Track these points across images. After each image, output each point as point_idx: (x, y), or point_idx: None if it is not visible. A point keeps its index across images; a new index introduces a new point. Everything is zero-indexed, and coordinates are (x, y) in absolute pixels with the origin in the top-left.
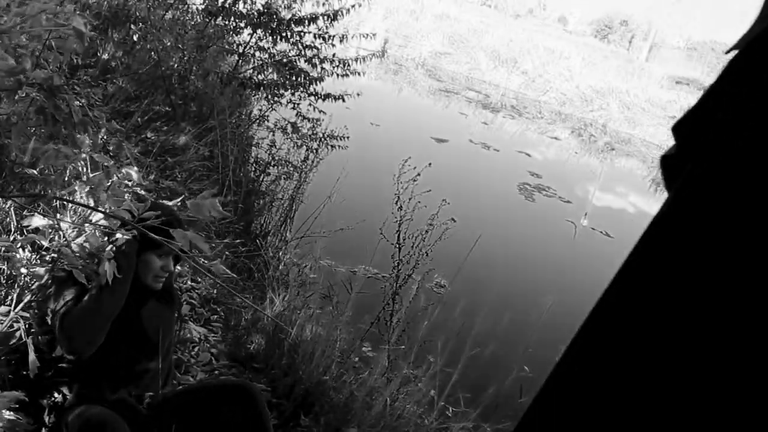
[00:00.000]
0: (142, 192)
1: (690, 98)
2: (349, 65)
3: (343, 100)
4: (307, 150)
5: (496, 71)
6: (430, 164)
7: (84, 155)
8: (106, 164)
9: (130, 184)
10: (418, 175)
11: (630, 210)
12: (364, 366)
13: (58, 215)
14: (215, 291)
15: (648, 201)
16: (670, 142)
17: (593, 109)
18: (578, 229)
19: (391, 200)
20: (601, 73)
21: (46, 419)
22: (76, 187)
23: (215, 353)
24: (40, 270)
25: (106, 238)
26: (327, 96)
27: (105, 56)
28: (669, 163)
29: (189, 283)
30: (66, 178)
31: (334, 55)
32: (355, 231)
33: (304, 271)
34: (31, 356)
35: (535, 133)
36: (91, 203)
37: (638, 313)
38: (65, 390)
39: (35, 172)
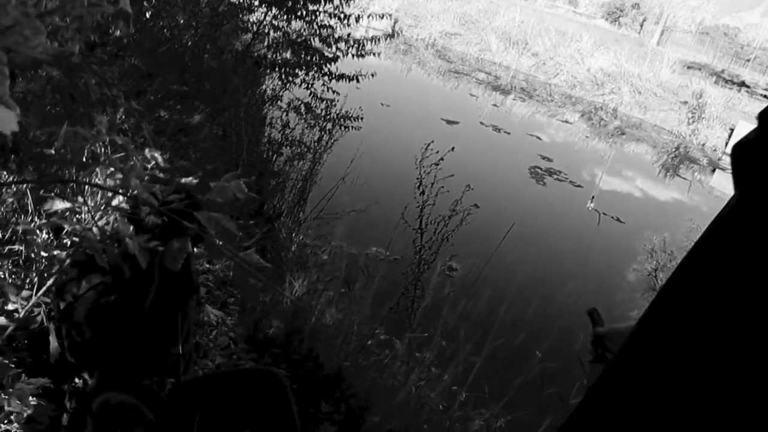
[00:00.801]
0: (161, 175)
1: (702, 83)
2: (363, 46)
3: (358, 81)
4: (320, 131)
5: (507, 53)
6: (453, 148)
7: (105, 137)
8: (126, 146)
9: (149, 166)
10: (442, 159)
11: (637, 195)
12: (385, 353)
13: (79, 198)
14: (231, 273)
15: (656, 186)
16: (681, 127)
17: (604, 93)
18: (591, 214)
19: (406, 183)
20: (613, 57)
21: (68, 404)
22: (98, 170)
23: (233, 337)
24: (61, 253)
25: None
26: (341, 76)
27: (117, 33)
28: (744, 149)
29: (205, 265)
30: (84, 159)
31: (349, 35)
32: (370, 213)
33: (319, 253)
34: (53, 342)
35: (545, 116)
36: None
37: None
38: (86, 375)
39: (53, 152)
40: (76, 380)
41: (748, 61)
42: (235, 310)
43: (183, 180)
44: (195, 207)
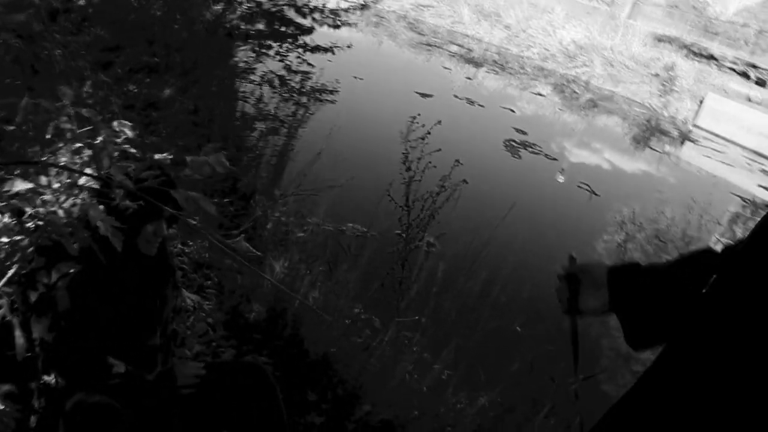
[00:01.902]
0: (132, 150)
1: (672, 56)
2: (339, 16)
3: (333, 52)
4: (295, 104)
5: (479, 25)
6: (440, 122)
7: (70, 110)
8: (93, 120)
9: (118, 141)
10: (429, 133)
11: (609, 167)
12: (372, 337)
13: (42, 178)
14: (207, 254)
15: (627, 158)
16: (653, 99)
17: (576, 65)
18: (567, 187)
19: (384, 157)
20: (585, 29)
21: (36, 404)
22: (63, 147)
23: (211, 323)
24: (24, 239)
25: (101, 206)
26: (316, 48)
27: (81, 2)
28: None
29: (179, 246)
30: (48, 135)
31: (324, 5)
32: (349, 189)
33: (296, 230)
34: (18, 337)
35: (518, 89)
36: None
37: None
38: (55, 372)
39: (12, 128)
40: (45, 377)
41: (716, 34)
42: (213, 294)
43: (156, 156)
44: (170, 185)
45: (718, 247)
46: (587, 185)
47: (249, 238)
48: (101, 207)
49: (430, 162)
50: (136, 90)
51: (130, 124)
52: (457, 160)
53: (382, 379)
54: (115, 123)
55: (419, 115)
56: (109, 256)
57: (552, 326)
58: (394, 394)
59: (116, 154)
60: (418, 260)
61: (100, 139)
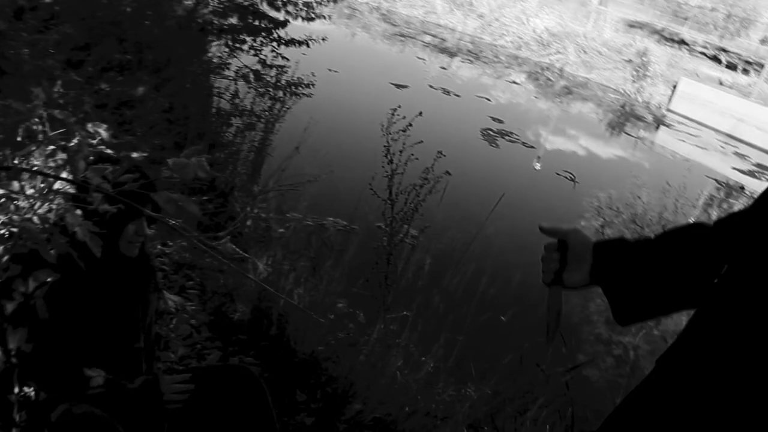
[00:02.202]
0: (109, 151)
1: (645, 42)
2: (313, 8)
3: (308, 46)
4: (271, 99)
5: (452, 15)
6: (420, 113)
7: (42, 111)
8: (66, 121)
9: (93, 142)
10: (410, 125)
11: (585, 153)
12: (360, 334)
13: (15, 183)
14: (188, 254)
15: (603, 144)
16: (626, 85)
17: (550, 53)
18: (547, 175)
19: (362, 150)
20: (557, 17)
21: (17, 417)
22: (33, 148)
23: (195, 325)
24: None
25: (78, 211)
26: (290, 41)
27: None
28: None
29: (159, 246)
30: (19, 138)
31: None
32: (329, 183)
33: (275, 226)
34: None
35: (493, 78)
36: (57, 170)
37: None
38: (35, 384)
39: None
40: (25, 389)
41: (686, 19)
42: (195, 295)
43: (134, 155)
44: (150, 187)
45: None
46: (566, 172)
47: (229, 235)
48: (78, 212)
49: (412, 154)
50: (108, 89)
51: (104, 125)
52: (440, 152)
53: (372, 376)
54: (89, 125)
55: (400, 107)
56: (88, 261)
57: (537, 316)
58: (385, 392)
59: (92, 157)
60: (403, 254)
61: (74, 141)
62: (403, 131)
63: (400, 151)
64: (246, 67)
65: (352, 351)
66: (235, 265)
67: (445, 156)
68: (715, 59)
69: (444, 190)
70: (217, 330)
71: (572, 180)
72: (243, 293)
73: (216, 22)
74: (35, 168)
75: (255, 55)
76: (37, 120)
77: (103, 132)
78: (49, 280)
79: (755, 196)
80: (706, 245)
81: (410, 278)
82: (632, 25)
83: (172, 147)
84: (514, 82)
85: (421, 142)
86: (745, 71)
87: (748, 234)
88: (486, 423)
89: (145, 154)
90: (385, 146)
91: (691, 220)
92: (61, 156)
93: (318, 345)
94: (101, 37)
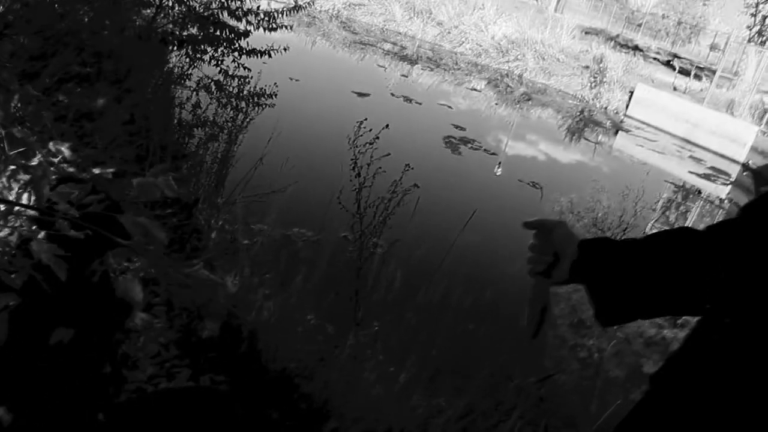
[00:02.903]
0: (72, 169)
1: (601, 48)
2: (275, 18)
3: (270, 56)
4: (233, 110)
5: (411, 23)
6: (387, 126)
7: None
8: (26, 140)
9: (54, 161)
10: (377, 138)
11: (546, 159)
12: (333, 350)
13: None
14: (153, 270)
15: (563, 150)
16: (584, 91)
17: (509, 59)
18: (509, 182)
19: (327, 160)
20: (515, 24)
21: None
22: None
23: (163, 342)
24: None
25: (42, 233)
26: (252, 51)
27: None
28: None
29: (124, 263)
30: None
31: (258, 7)
32: (294, 194)
33: (241, 238)
34: None
35: (453, 85)
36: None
37: None
38: (1, 410)
39: None
40: None
41: (639, 26)
42: (162, 312)
43: (97, 170)
44: (116, 208)
45: (700, 226)
46: (527, 179)
47: (194, 248)
48: (42, 234)
49: (380, 167)
50: (66, 101)
51: (66, 143)
52: (408, 164)
53: (346, 392)
54: (50, 144)
55: (366, 119)
56: (52, 283)
57: (506, 325)
58: (360, 408)
59: (54, 177)
60: (373, 268)
61: (35, 160)
62: (370, 144)
63: (368, 164)
64: (207, 77)
65: (325, 367)
66: (205, 289)
67: (413, 169)
68: (669, 65)
69: (416, 203)
70: (185, 348)
71: (537, 188)
72: (212, 310)
73: (176, 32)
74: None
75: (216, 65)
76: None
77: (65, 150)
78: (11, 303)
79: (711, 199)
80: (694, 251)
81: (381, 292)
82: (588, 31)
83: (133, 160)
84: (475, 89)
85: (389, 154)
86: (697, 77)
87: (741, 248)
88: None
89: (111, 170)
90: (352, 159)
91: (650, 223)
92: (23, 177)
93: (290, 362)
94: (58, 47)
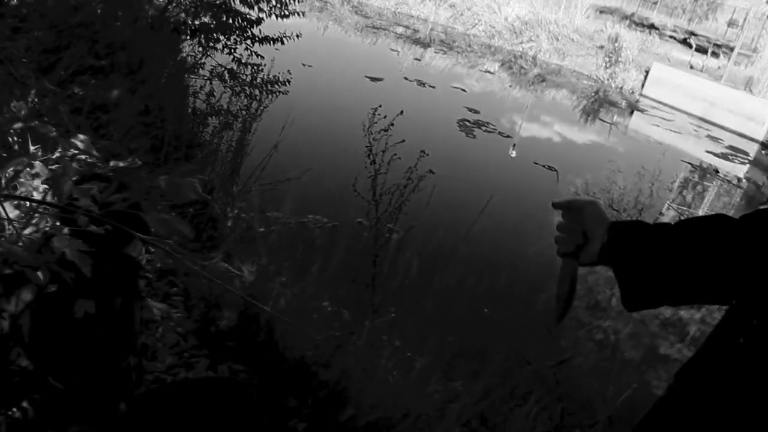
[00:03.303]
0: (92, 161)
1: (616, 27)
2: (287, 5)
3: (282, 42)
4: (247, 98)
5: (424, 5)
6: (401, 112)
7: (19, 124)
8: (47, 136)
9: (72, 153)
10: (392, 125)
11: (561, 140)
12: (350, 337)
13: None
14: (171, 260)
15: (578, 131)
16: (599, 71)
17: (522, 41)
18: (523, 163)
19: (342, 146)
20: (529, 4)
21: None
22: (16, 168)
23: (182, 333)
24: None
25: (66, 230)
26: (264, 39)
27: (14, 1)
28: None
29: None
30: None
31: None
32: (310, 181)
33: (256, 226)
34: None
35: (467, 68)
36: (40, 188)
37: None
38: (25, 403)
39: None
40: (13, 409)
41: (655, 3)
42: (180, 302)
43: (120, 164)
44: (138, 207)
45: (732, 214)
46: (542, 161)
47: (210, 237)
48: (66, 230)
49: (395, 154)
50: (81, 93)
51: (84, 137)
52: (423, 151)
53: (363, 379)
54: (74, 139)
55: (380, 106)
56: (77, 277)
57: (522, 310)
58: (377, 395)
59: (75, 177)
60: (389, 254)
61: (56, 154)
62: (385, 131)
63: (383, 151)
64: (221, 66)
65: (342, 354)
66: (227, 285)
67: (427, 155)
68: (685, 43)
69: (432, 190)
70: (204, 338)
71: (553, 170)
72: (229, 299)
73: (189, 21)
74: (20, 192)
75: (229, 53)
76: (12, 132)
77: (80, 144)
78: (32, 297)
79: (729, 179)
80: (726, 241)
81: (397, 278)
82: (602, 11)
83: (148, 150)
84: (488, 71)
85: (404, 141)
86: (715, 54)
87: None
88: (478, 422)
89: (137, 165)
90: (367, 146)
91: (667, 203)
92: (46, 171)
93: (307, 350)
94: (72, 39)
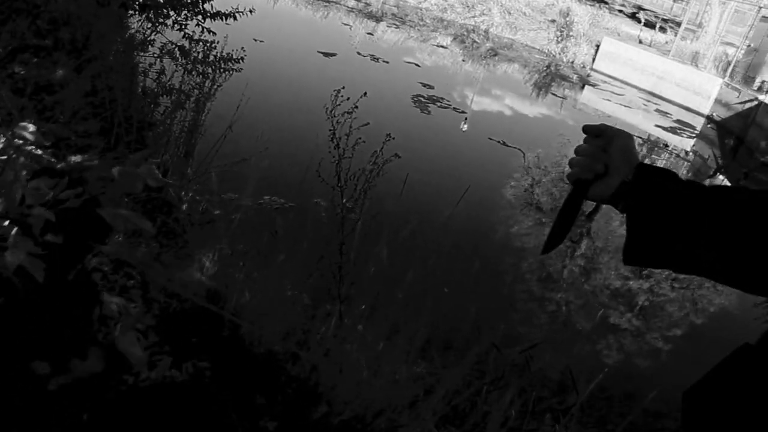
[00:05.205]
0: (39, 152)
1: (566, 1)
2: None
3: (235, 18)
4: (199, 75)
5: None
6: (365, 94)
7: None
8: None
9: (19, 143)
10: (356, 107)
11: (513, 114)
12: (318, 329)
13: None
14: (120, 236)
15: (531, 105)
16: (551, 45)
17: (475, 15)
18: (475, 136)
19: (299, 125)
20: None
21: None
22: None
23: (142, 329)
24: None
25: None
26: (216, 14)
27: None
28: None
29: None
30: None
31: None
32: (268, 164)
33: (214, 210)
34: None
35: (419, 42)
36: None
37: None
38: None
39: None
40: None
41: None
42: (138, 295)
43: (73, 158)
44: (94, 202)
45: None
46: (497, 136)
47: (164, 222)
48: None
49: (360, 138)
50: (23, 72)
51: (32, 127)
52: (389, 134)
53: (335, 374)
54: (22, 131)
55: (343, 87)
56: (29, 283)
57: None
58: (350, 390)
59: (24, 172)
60: (355, 244)
61: (4, 155)
62: (349, 113)
63: (347, 135)
64: (172, 43)
65: (311, 347)
66: (199, 299)
67: (394, 138)
68: (634, 17)
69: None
70: (165, 334)
71: (509, 146)
72: (191, 291)
73: None
74: None
75: (180, 29)
76: None
77: (28, 134)
78: None
79: (677, 152)
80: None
81: (365, 267)
82: None
83: (98, 133)
84: (441, 46)
85: (368, 124)
86: (662, 29)
87: None
88: (452, 414)
89: (94, 161)
90: (330, 130)
91: None
92: None
93: (274, 344)
94: (10, 14)
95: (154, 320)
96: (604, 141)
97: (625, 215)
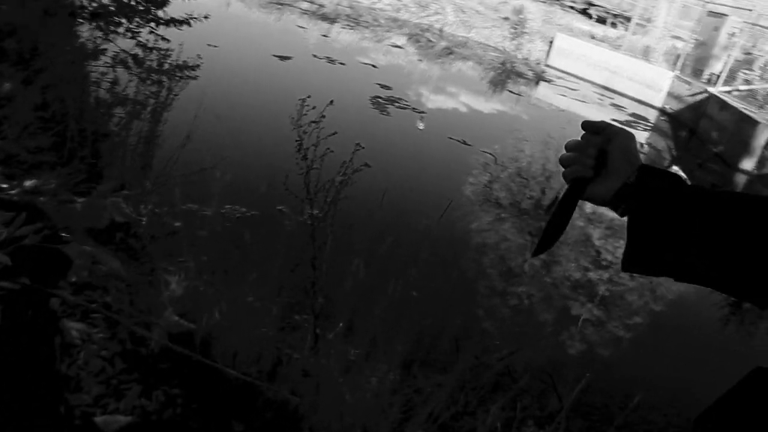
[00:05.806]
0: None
1: None
2: None
3: (189, 24)
4: (155, 85)
5: None
6: (332, 102)
7: None
8: None
9: None
10: (323, 116)
11: (470, 112)
12: (293, 347)
13: None
14: (86, 273)
15: (487, 102)
16: (505, 43)
17: (429, 14)
18: (434, 135)
19: (258, 134)
20: None
21: None
22: None
23: (107, 356)
24: None
25: None
26: (170, 21)
27: None
28: None
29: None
30: None
31: None
32: (229, 174)
33: (171, 222)
34: None
35: (374, 42)
36: None
37: None
38: None
39: None
40: None
41: None
42: (101, 319)
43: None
44: (55, 238)
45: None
46: (456, 135)
47: (122, 239)
48: None
49: (328, 148)
50: None
51: None
52: (358, 143)
53: (314, 394)
54: None
55: (309, 97)
56: None
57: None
58: (330, 412)
59: None
60: (326, 256)
61: None
62: (316, 123)
63: (314, 146)
64: (124, 51)
65: (288, 368)
66: (176, 346)
67: (363, 148)
68: (585, 13)
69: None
70: (133, 360)
71: (459, 141)
72: (158, 314)
73: (88, 6)
74: None
75: (132, 38)
76: None
77: None
78: None
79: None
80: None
81: (339, 281)
82: None
83: (50, 148)
84: (396, 46)
85: (335, 133)
86: (613, 24)
87: None
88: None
89: (51, 185)
90: (297, 140)
91: None
92: None
93: (250, 366)
94: None
95: (120, 347)
96: (603, 139)
97: (626, 219)
